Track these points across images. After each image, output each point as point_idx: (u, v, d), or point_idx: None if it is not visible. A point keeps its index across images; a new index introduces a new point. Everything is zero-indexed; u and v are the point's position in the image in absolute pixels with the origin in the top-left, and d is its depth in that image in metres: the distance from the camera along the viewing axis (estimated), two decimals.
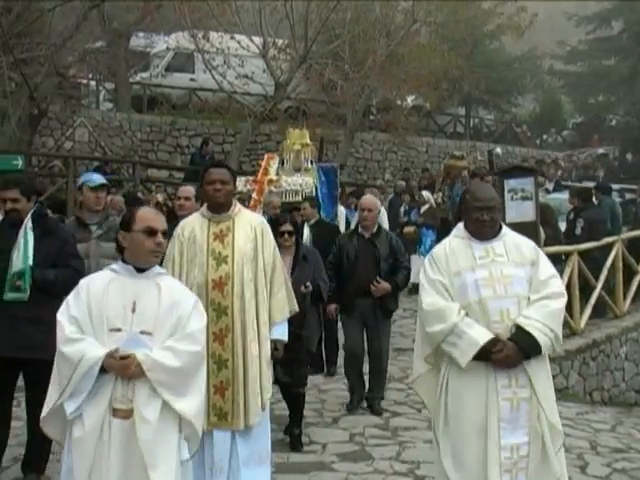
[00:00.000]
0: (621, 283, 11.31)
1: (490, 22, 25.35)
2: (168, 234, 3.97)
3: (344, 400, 7.41)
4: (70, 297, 3.69)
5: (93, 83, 23.83)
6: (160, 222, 3.76)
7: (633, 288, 11.74)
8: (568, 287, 9.16)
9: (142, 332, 3.56)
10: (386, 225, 11.85)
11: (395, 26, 21.07)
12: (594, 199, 12.05)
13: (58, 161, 16.42)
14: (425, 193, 14.65)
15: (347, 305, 7.31)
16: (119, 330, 3.55)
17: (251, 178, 11.00)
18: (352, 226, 11.21)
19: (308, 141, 10.97)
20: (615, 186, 15.68)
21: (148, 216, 3.76)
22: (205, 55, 19.89)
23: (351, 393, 7.37)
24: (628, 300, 11.57)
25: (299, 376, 6.21)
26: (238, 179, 7.39)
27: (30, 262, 5.02)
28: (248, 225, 4.89)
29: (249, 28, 20.04)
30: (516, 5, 22.79)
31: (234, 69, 20.19)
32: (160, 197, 13.11)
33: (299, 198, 9.97)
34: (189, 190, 6.67)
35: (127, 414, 3.48)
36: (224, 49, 20.04)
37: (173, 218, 6.14)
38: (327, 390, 7.95)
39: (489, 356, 3.90)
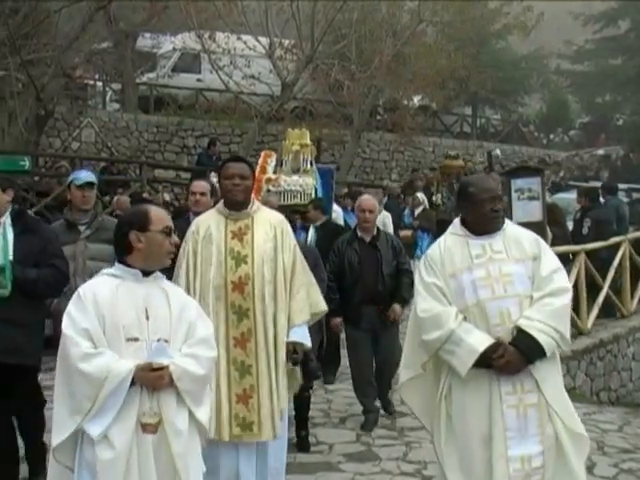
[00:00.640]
0: (628, 283, 11.27)
1: (496, 22, 25.33)
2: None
3: (351, 400, 7.39)
4: (72, 309, 3.34)
5: (100, 84, 23.88)
6: (171, 222, 3.59)
7: None
8: (575, 287, 9.13)
9: (159, 340, 3.36)
10: (391, 229, 11.68)
11: (401, 26, 21.08)
12: (601, 199, 12.03)
13: (65, 162, 16.46)
14: (419, 195, 14.19)
15: (353, 316, 6.85)
16: (136, 340, 3.32)
17: None
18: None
19: (308, 141, 10.61)
20: (623, 186, 15.65)
21: (164, 216, 3.56)
22: (212, 55, 19.91)
23: (364, 405, 6.89)
24: (635, 300, 11.53)
25: (306, 378, 6.11)
26: None
27: (10, 257, 4.69)
28: (267, 223, 4.64)
29: (255, 28, 20.06)
30: (522, 5, 22.78)
31: (240, 69, 20.22)
32: (167, 196, 13.13)
33: (298, 200, 9.63)
34: (204, 185, 6.33)
35: (155, 428, 3.28)
36: (230, 49, 20.07)
37: (178, 217, 6.00)
38: (334, 390, 7.94)
39: (490, 362, 3.68)
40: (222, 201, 4.71)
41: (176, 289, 3.65)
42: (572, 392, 9.04)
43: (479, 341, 3.69)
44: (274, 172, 10.18)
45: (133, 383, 3.23)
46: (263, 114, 19.21)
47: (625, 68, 30.27)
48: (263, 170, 10.25)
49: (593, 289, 10.39)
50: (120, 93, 23.95)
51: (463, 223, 3.97)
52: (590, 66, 32.87)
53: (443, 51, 21.01)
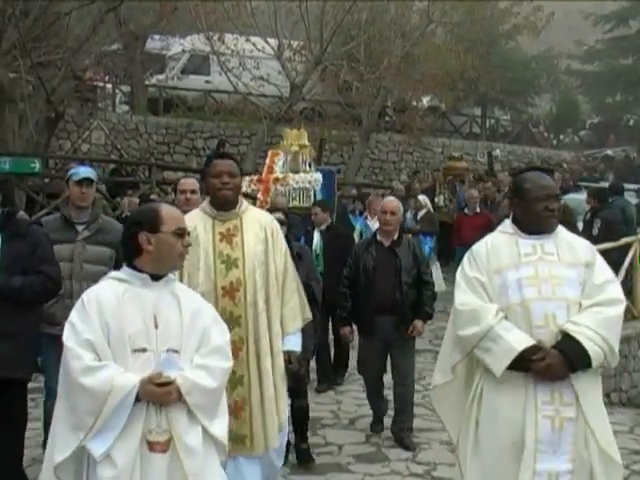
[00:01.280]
0: (639, 284, 11.22)
1: (506, 22, 25.25)
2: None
3: (360, 402, 7.38)
4: (74, 317, 3.09)
5: (109, 86, 23.97)
6: (185, 222, 3.34)
7: None
8: None
9: (169, 350, 3.11)
10: None
11: (410, 27, 21.06)
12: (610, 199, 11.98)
13: (75, 164, 16.50)
14: (422, 197, 13.78)
15: (366, 325, 6.41)
16: (144, 350, 3.07)
17: (255, 177, 10.23)
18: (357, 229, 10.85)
19: (306, 142, 10.24)
20: (632, 186, 15.58)
21: (177, 215, 3.29)
22: (220, 57, 19.95)
23: (375, 413, 6.71)
24: None
25: (299, 386, 5.65)
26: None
27: None
28: (257, 224, 4.37)
29: (264, 30, 20.08)
30: (532, 4, 22.70)
31: (249, 71, 20.24)
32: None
33: (303, 201, 9.21)
34: (193, 182, 5.98)
35: (165, 446, 3.03)
36: (239, 51, 20.09)
37: None
38: (343, 391, 7.93)
39: (529, 365, 3.40)
40: (207, 200, 4.43)
41: (190, 293, 3.37)
42: None
43: (518, 340, 3.43)
44: (282, 171, 9.88)
45: (139, 398, 3.01)
46: (272, 115, 19.22)
47: (636, 68, 30.18)
48: (270, 170, 9.99)
49: None
50: (129, 95, 24.01)
51: (514, 221, 3.73)
52: (600, 66, 32.79)
53: (452, 52, 20.95)
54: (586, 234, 10.93)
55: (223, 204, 4.32)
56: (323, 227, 8.39)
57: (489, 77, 24.13)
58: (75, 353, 3.01)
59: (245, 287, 4.24)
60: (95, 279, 5.01)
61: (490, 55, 24.96)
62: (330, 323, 7.98)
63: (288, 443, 5.14)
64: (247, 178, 10.00)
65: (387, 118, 25.18)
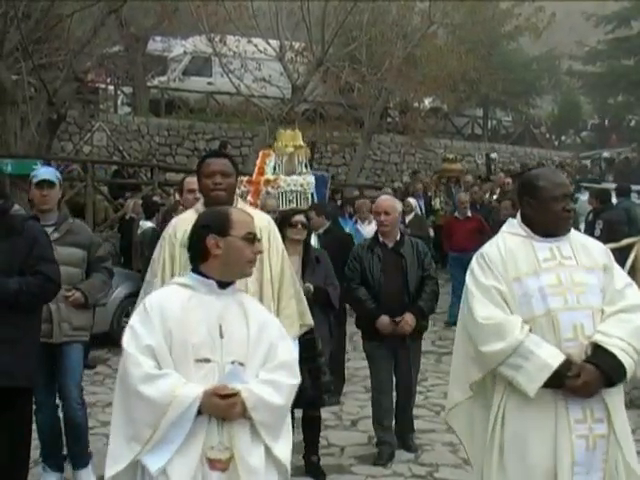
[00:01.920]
0: None
1: (508, 23, 25.26)
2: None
3: (362, 403, 7.37)
4: (135, 322, 2.91)
5: (111, 87, 24.02)
6: (254, 227, 3.12)
7: None
8: None
9: (233, 362, 2.91)
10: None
11: (412, 28, 21.06)
12: (614, 200, 11.97)
13: (77, 165, 16.52)
14: (412, 200, 13.40)
15: (375, 331, 5.99)
16: (208, 361, 2.87)
17: (245, 178, 9.86)
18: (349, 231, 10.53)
19: (301, 142, 9.99)
20: (637, 187, 15.53)
21: (247, 220, 3.10)
22: (222, 59, 19.97)
23: (380, 444, 6.12)
24: None
25: (320, 387, 5.49)
26: None
27: None
28: None
29: (266, 31, 20.11)
30: (534, 5, 22.70)
31: (251, 72, 20.25)
32: (179, 197, 13.09)
33: (300, 204, 8.87)
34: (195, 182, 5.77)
35: (225, 465, 2.82)
36: (241, 52, 20.11)
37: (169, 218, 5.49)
38: (345, 393, 7.92)
39: (561, 382, 3.14)
40: (201, 201, 4.23)
41: (256, 304, 3.19)
42: None
43: (551, 355, 3.16)
44: (273, 172, 9.61)
45: (200, 412, 2.81)
46: (274, 117, 19.23)
47: (638, 69, 30.12)
48: (261, 171, 9.66)
49: None
50: (131, 97, 24.06)
51: (524, 221, 3.45)
52: (602, 67, 32.73)
53: (454, 53, 20.95)
54: (588, 235, 10.92)
55: (216, 205, 3.96)
56: (321, 231, 8.20)
57: (491, 78, 24.13)
58: (135, 360, 2.81)
59: None
60: (69, 281, 4.99)
61: (492, 56, 24.97)
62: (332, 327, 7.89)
63: None
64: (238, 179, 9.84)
65: (389, 119, 25.21)
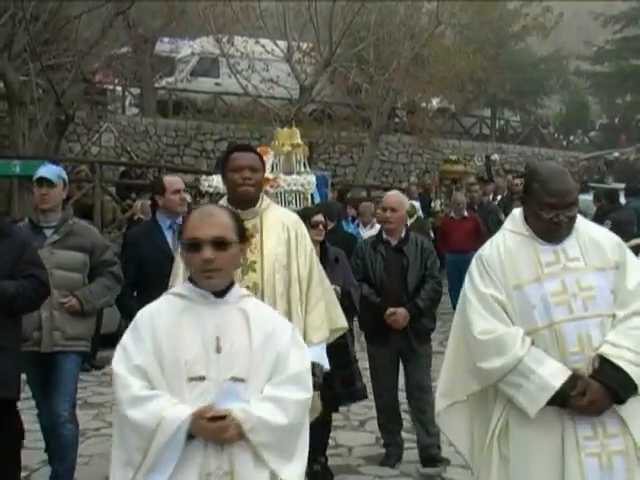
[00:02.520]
0: None
1: (515, 23, 25.23)
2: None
3: (370, 403, 7.34)
4: (126, 339, 2.67)
5: (119, 88, 24.08)
6: (206, 230, 2.66)
7: None
8: None
9: (232, 379, 2.62)
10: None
11: (419, 28, 21.05)
12: (622, 200, 11.95)
13: (85, 166, 16.56)
14: (415, 203, 12.90)
15: (377, 332, 5.83)
16: (202, 379, 2.60)
17: None
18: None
19: (299, 141, 9.64)
20: None
21: (193, 222, 2.71)
22: (230, 59, 20.01)
23: (387, 446, 6.01)
24: None
25: (353, 395, 5.46)
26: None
27: None
28: (280, 224, 3.94)
29: (273, 32, 20.14)
30: (541, 5, 22.67)
31: (259, 73, 20.28)
32: (188, 197, 13.08)
33: (300, 204, 8.65)
34: (179, 181, 5.61)
35: None
36: (249, 53, 20.15)
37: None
38: None
39: (565, 401, 2.92)
40: (225, 198, 4.03)
41: (264, 310, 2.84)
42: None
43: (554, 374, 2.92)
44: (272, 171, 9.13)
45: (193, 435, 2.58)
46: (281, 117, 19.23)
47: None
48: None
49: None
50: (139, 97, 24.12)
51: (527, 221, 3.16)
52: (610, 67, 32.68)
53: (461, 53, 20.94)
54: None
55: (243, 201, 3.88)
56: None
57: (498, 78, 24.09)
58: (123, 382, 2.61)
59: (263, 293, 3.76)
60: (68, 287, 4.72)
61: (499, 56, 24.94)
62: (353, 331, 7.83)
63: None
64: None
65: (397, 120, 25.19)
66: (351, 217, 12.31)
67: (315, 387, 3.78)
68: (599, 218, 11.25)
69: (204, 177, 10.30)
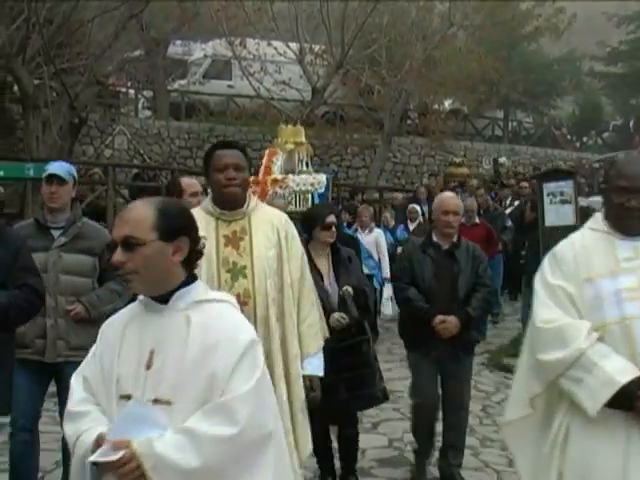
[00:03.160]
0: None
1: (528, 24, 25.19)
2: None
3: (383, 406, 7.31)
4: (93, 346, 2.45)
5: (132, 91, 24.18)
6: (118, 228, 2.31)
7: None
8: None
9: (156, 401, 2.21)
10: (384, 251, 10.12)
11: (432, 30, 21.06)
12: None
13: (98, 169, 16.63)
14: (416, 207, 12.62)
15: (419, 339, 5.37)
16: (129, 398, 2.24)
17: (251, 178, 9.65)
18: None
19: (303, 139, 9.40)
20: None
21: (118, 222, 2.37)
22: (242, 62, 20.06)
23: (416, 455, 5.71)
24: None
25: (368, 396, 5.14)
26: None
27: None
28: (269, 225, 3.70)
29: (285, 34, 20.17)
30: (554, 6, 22.62)
31: (271, 75, 20.33)
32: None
33: (306, 204, 8.43)
34: (196, 184, 5.06)
35: None
36: (261, 56, 20.21)
37: None
38: None
39: (632, 403, 2.66)
40: (209, 198, 3.76)
41: (217, 320, 2.30)
42: None
43: (620, 369, 2.69)
44: (281, 172, 9.06)
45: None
46: (294, 119, 19.26)
47: None
48: (268, 171, 9.07)
49: None
50: (152, 100, 24.19)
51: (607, 216, 3.00)
52: (624, 67, 32.57)
53: (474, 54, 20.94)
54: None
55: (229, 202, 3.65)
56: None
57: (511, 79, 24.07)
58: (70, 393, 2.40)
59: (255, 300, 3.55)
60: (76, 292, 4.42)
61: (512, 57, 24.95)
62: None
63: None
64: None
65: (409, 121, 25.16)
66: (346, 223, 11.21)
67: (315, 401, 3.80)
68: None
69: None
